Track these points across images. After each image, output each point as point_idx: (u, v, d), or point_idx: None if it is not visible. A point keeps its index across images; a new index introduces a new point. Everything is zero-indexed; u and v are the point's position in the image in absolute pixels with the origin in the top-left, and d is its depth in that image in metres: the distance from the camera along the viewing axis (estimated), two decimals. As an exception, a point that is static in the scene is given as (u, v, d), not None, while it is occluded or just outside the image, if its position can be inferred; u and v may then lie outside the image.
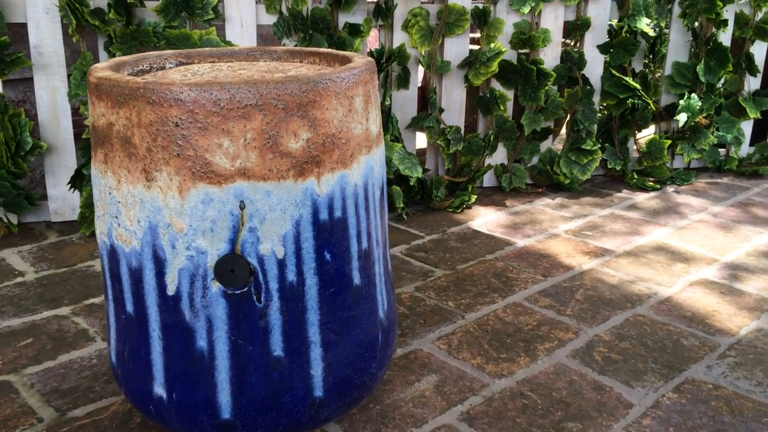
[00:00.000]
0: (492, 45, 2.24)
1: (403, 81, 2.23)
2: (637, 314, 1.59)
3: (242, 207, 0.95)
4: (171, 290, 0.98)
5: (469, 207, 2.27)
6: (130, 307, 1.03)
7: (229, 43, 2.03)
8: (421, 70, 3.20)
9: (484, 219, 2.17)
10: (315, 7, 2.07)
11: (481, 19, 2.23)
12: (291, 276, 0.99)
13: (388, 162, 2.10)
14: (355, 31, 2.10)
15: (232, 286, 0.97)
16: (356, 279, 1.06)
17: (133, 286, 1.01)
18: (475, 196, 2.27)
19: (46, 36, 1.90)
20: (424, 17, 2.18)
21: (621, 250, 1.96)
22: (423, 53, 2.21)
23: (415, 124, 2.26)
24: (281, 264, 0.98)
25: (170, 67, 1.20)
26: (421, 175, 2.14)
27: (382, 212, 1.12)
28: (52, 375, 1.30)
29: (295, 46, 2.08)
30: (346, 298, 1.05)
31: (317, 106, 0.96)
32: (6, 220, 1.92)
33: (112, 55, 1.92)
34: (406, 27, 2.19)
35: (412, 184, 2.13)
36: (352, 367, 1.08)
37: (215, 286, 0.97)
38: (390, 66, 2.22)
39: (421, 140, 3.13)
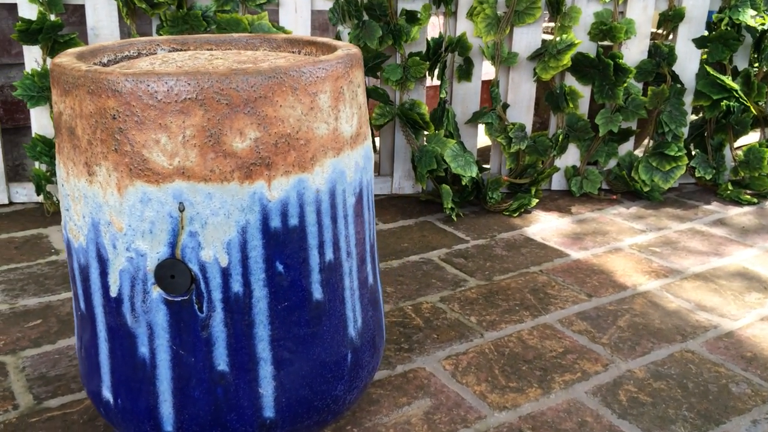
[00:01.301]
0: (564, 36, 2.05)
1: (465, 73, 2.09)
2: (685, 349, 1.39)
3: (181, 209, 0.87)
4: (113, 292, 0.93)
5: (528, 211, 2.10)
6: (82, 305, 0.98)
7: (281, 29, 1.97)
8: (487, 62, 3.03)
9: (542, 226, 2.00)
10: (371, -7, 1.97)
11: (554, 7, 2.04)
12: (236, 286, 0.91)
13: (440, 158, 1.98)
14: (412, 18, 1.98)
15: (173, 293, 0.90)
16: (317, 293, 0.96)
17: (82, 283, 0.97)
18: (537, 200, 2.10)
19: (102, 18, 1.92)
20: (491, 4, 2.03)
21: (690, 272, 1.74)
22: (487, 43, 2.06)
23: (475, 120, 2.12)
24: (225, 273, 0.90)
25: (161, 53, 1.14)
26: (476, 175, 2.00)
27: (358, 221, 1.02)
28: (46, 360, 1.30)
29: (349, 33, 1.99)
30: (303, 314, 0.96)
31: (268, 103, 0.87)
32: (54, 198, 1.97)
33: (162, 38, 1.91)
34: (471, 15, 2.05)
35: (464, 183, 1.99)
36: (310, 389, 0.99)
37: (156, 292, 0.91)
38: (452, 56, 2.09)
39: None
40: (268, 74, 0.86)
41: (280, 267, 0.92)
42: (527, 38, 2.10)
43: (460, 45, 2.02)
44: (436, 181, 2.08)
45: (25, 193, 2.04)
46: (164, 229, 0.88)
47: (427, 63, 2.01)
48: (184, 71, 0.84)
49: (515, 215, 2.06)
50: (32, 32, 1.80)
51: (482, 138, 2.91)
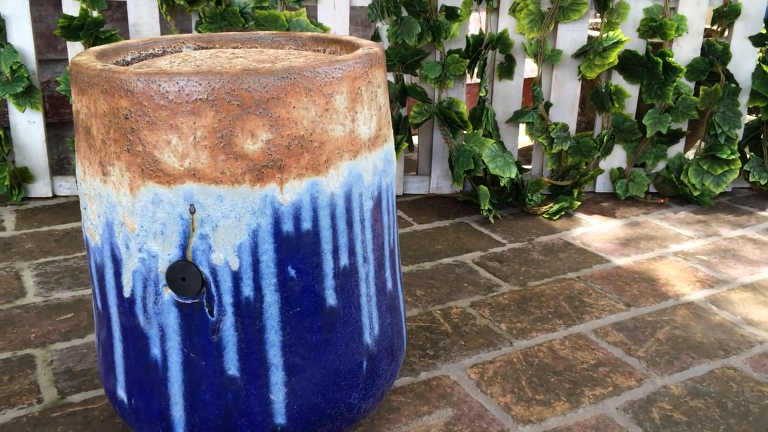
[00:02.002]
0: (611, 33, 1.97)
1: (506, 71, 2.03)
2: (727, 366, 1.32)
3: (192, 211, 0.86)
4: (127, 292, 0.92)
5: (569, 214, 2.03)
6: (99, 303, 0.98)
7: (320, 26, 1.95)
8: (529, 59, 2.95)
9: (583, 230, 1.93)
10: (411, -11, 1.94)
11: (601, 2, 1.97)
12: (247, 291, 0.89)
13: (477, 158, 1.93)
14: (452, 14, 1.93)
15: (184, 295, 0.89)
16: (331, 299, 0.94)
17: (98, 282, 0.96)
18: (579, 203, 2.03)
19: (143, 14, 1.94)
20: (535, 0, 1.96)
21: (738, 282, 1.65)
22: (530, 40, 2.00)
23: (516, 119, 2.06)
24: (236, 276, 0.88)
25: (185, 52, 1.14)
26: (515, 176, 1.94)
27: (376, 225, 0.99)
28: (74, 354, 1.31)
29: (388, 29, 1.96)
30: (315, 320, 0.93)
31: (281, 104, 0.84)
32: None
33: (201, 34, 1.92)
34: (513, 10, 1.99)
35: (502, 184, 1.94)
36: (323, 396, 0.97)
37: (167, 293, 0.90)
38: (493, 54, 2.04)
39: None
40: (280, 75, 0.84)
41: (292, 272, 0.90)
42: (572, 35, 2.03)
43: (501, 42, 1.97)
44: (474, 181, 2.03)
45: (68, 187, 2.08)
46: (175, 230, 0.87)
47: (467, 60, 1.97)
48: (195, 71, 0.82)
49: (555, 218, 2.00)
50: (74, 28, 1.83)
51: (524, 138, 2.85)
